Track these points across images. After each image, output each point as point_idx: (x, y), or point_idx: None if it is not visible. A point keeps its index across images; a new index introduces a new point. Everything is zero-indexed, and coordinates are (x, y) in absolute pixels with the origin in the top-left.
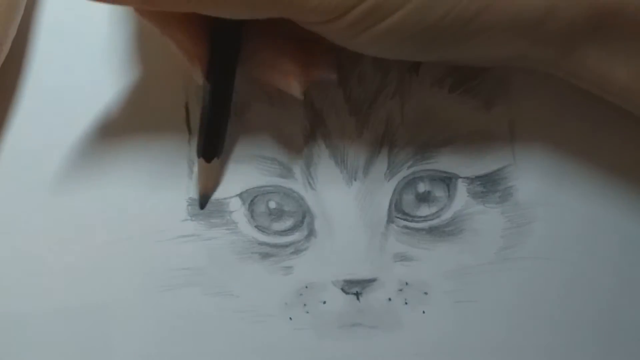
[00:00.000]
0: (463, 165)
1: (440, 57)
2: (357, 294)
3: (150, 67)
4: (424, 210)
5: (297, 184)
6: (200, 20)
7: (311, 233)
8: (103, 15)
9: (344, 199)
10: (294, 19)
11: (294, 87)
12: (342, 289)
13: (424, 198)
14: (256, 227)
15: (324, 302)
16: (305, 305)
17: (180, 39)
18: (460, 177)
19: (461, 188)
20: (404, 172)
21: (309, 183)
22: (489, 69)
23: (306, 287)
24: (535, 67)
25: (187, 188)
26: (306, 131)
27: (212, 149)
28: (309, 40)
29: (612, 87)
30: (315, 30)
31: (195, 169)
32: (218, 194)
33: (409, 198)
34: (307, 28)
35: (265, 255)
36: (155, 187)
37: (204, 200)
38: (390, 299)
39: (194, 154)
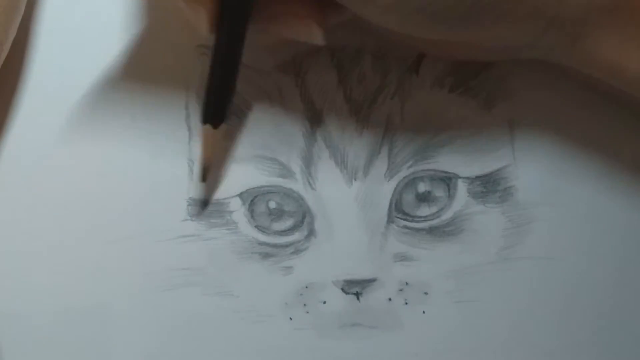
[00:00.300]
0: (463, 165)
1: (455, 34)
2: (357, 294)
3: (151, 68)
4: (424, 210)
5: (297, 184)
6: None
7: (311, 233)
8: (103, 16)
9: (344, 199)
10: None
11: (315, 33)
12: (342, 289)
13: (424, 198)
14: (256, 227)
15: (324, 302)
16: (305, 305)
17: None
18: (460, 177)
19: (461, 188)
20: (404, 172)
21: (309, 183)
22: (489, 68)
23: (306, 287)
24: (547, 56)
25: (187, 188)
26: (306, 131)
27: (220, 112)
28: None
29: (624, 74)
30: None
31: (195, 169)
32: (218, 194)
33: (409, 198)
34: None
35: (265, 255)
36: (155, 187)
37: (204, 171)
38: (390, 299)
39: (194, 154)
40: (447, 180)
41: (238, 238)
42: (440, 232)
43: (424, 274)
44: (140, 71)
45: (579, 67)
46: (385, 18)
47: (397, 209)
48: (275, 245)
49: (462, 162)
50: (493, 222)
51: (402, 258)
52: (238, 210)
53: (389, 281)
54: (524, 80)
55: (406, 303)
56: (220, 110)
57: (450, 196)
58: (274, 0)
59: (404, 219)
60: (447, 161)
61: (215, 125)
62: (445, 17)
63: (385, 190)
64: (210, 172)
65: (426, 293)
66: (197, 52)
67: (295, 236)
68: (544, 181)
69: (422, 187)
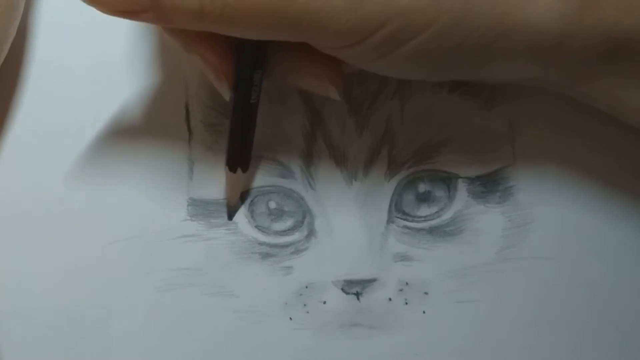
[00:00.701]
0: (463, 165)
1: (457, 78)
2: (358, 294)
3: (150, 67)
4: (424, 210)
5: (297, 184)
6: (225, 36)
7: (311, 233)
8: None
9: (344, 199)
10: (312, 43)
11: (331, 90)
12: (343, 289)
13: (424, 198)
14: (256, 227)
15: (324, 302)
16: (305, 305)
17: (206, 56)
18: (461, 177)
19: (461, 188)
20: (404, 172)
21: (309, 183)
22: None
23: (306, 287)
24: (550, 88)
25: (187, 188)
26: (306, 131)
27: (237, 160)
28: None
29: (626, 109)
30: (332, 54)
31: (196, 168)
32: (218, 194)
33: (409, 198)
34: (324, 51)
35: (265, 256)
36: (155, 187)
37: (230, 210)
38: (390, 299)
39: (194, 154)
40: (447, 180)
41: (238, 238)
42: (440, 232)
43: (424, 274)
44: (140, 71)
45: (581, 100)
46: (388, 73)
47: (397, 209)
48: (275, 246)
49: (462, 162)
50: (493, 222)
51: (402, 258)
52: (238, 211)
53: (389, 281)
54: None
55: (406, 303)
56: (242, 157)
57: (451, 196)
58: (288, 58)
59: (404, 219)
60: (447, 161)
61: (232, 170)
62: (447, 67)
63: (386, 190)
64: (237, 211)
65: (426, 293)
66: None
67: (295, 236)
68: (544, 181)
69: (422, 187)
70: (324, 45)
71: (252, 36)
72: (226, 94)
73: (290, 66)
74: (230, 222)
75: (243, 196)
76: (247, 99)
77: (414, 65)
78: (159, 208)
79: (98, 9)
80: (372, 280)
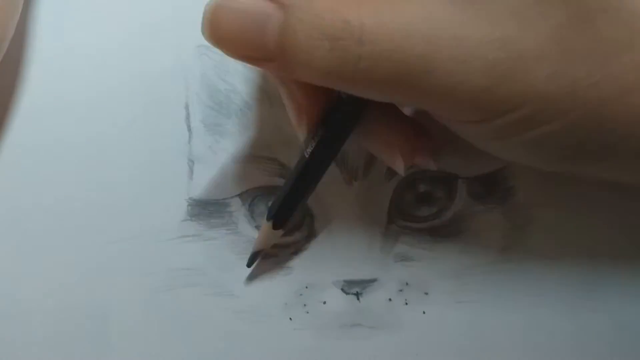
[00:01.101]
0: (463, 165)
1: (572, 171)
2: (358, 294)
3: (150, 67)
4: (424, 211)
5: None
6: None
7: (311, 233)
8: (101, 14)
9: (344, 199)
10: (433, 113)
11: (399, 166)
12: (343, 289)
13: (424, 198)
14: (256, 227)
15: (324, 302)
16: (305, 305)
17: (295, 92)
18: (460, 177)
19: (461, 188)
20: None
21: None
22: None
23: (306, 287)
24: None
25: (187, 188)
26: None
27: (282, 218)
28: (421, 126)
29: None
30: (450, 126)
31: (196, 168)
32: (218, 195)
33: (409, 198)
34: (443, 122)
35: (265, 256)
36: (155, 187)
37: (253, 257)
38: (390, 299)
39: (194, 154)
40: (447, 181)
41: (238, 238)
42: (440, 232)
43: (424, 274)
44: (140, 70)
45: None
46: (506, 156)
47: (397, 209)
48: (275, 246)
49: (462, 162)
50: (493, 222)
51: (402, 258)
52: (238, 211)
53: (389, 281)
54: None
55: (406, 303)
56: (287, 217)
57: (451, 196)
58: (378, 123)
59: (404, 219)
60: (447, 161)
61: (275, 228)
62: (567, 160)
63: (385, 190)
64: (258, 259)
65: (426, 293)
66: (197, 52)
67: (295, 236)
68: (544, 181)
69: (422, 187)
70: (446, 117)
71: (375, 97)
72: (301, 135)
73: (370, 128)
74: (230, 222)
75: (243, 198)
76: (327, 152)
77: (532, 152)
78: (159, 208)
79: (224, 51)
80: (372, 281)
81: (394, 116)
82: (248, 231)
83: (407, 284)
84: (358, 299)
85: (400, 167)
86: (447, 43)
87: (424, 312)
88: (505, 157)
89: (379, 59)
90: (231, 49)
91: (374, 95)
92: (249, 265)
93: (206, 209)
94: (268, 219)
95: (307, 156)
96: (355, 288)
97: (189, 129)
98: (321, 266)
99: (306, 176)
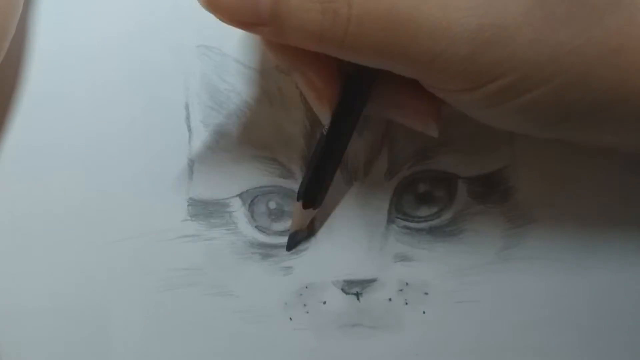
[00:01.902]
0: (463, 165)
1: (564, 137)
2: (358, 294)
3: (150, 66)
4: (424, 211)
5: (297, 184)
6: (334, 60)
7: (311, 233)
8: (101, 13)
9: (344, 199)
10: (424, 82)
11: (432, 127)
12: (343, 289)
13: (424, 198)
14: (256, 227)
15: (324, 302)
16: (305, 305)
17: (310, 77)
18: (460, 177)
19: (461, 188)
20: (404, 172)
21: None
22: None
23: (306, 287)
24: None
25: (187, 188)
26: (306, 131)
27: (313, 196)
28: None
29: None
30: (441, 96)
31: (196, 168)
32: (218, 195)
33: (409, 198)
34: (433, 92)
35: (265, 256)
36: (155, 187)
37: (291, 238)
38: (390, 299)
39: (194, 154)
40: (447, 181)
41: (238, 238)
42: (440, 232)
43: (424, 274)
44: (140, 70)
45: None
46: (496, 123)
47: (397, 209)
48: (275, 246)
49: (462, 162)
50: (493, 222)
51: (402, 258)
52: (238, 211)
53: (389, 281)
54: None
55: (406, 303)
56: (316, 195)
57: (450, 196)
58: (392, 92)
59: (404, 219)
60: (447, 161)
61: (305, 207)
62: (559, 125)
63: (385, 190)
64: (300, 243)
65: (426, 293)
66: (197, 52)
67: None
68: (544, 182)
69: (422, 187)
70: (436, 86)
71: (367, 63)
72: (325, 119)
73: (393, 99)
74: (230, 222)
75: (243, 198)
76: (347, 129)
77: (522, 119)
78: (159, 208)
79: (217, 17)
80: (372, 281)
81: (413, 83)
82: (248, 231)
83: (407, 284)
84: (358, 299)
85: (434, 130)
86: (432, 9)
87: (424, 312)
88: (499, 126)
89: (367, 23)
90: (225, 14)
91: (365, 61)
92: (288, 249)
93: (206, 209)
94: (298, 200)
95: (324, 133)
96: (355, 288)
97: (189, 129)
98: (321, 266)
99: (327, 153)
